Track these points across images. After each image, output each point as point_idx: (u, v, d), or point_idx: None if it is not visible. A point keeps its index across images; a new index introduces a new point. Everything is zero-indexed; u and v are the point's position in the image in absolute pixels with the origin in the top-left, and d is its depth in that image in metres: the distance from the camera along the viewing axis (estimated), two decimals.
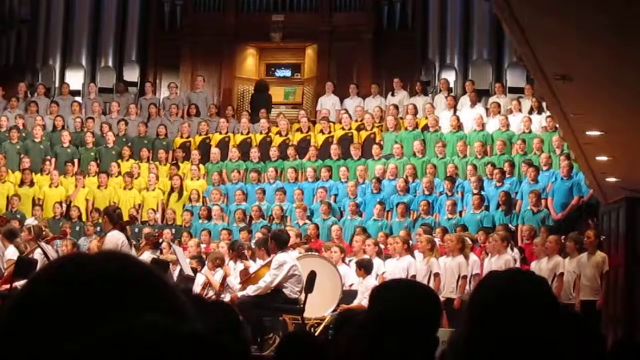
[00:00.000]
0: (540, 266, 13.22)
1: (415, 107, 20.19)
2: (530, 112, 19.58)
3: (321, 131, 20.37)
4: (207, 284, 14.20)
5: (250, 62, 23.66)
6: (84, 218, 18.77)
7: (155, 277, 1.39)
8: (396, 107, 20.44)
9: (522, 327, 2.59)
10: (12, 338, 1.31)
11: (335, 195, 18.49)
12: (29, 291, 1.37)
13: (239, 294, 12.73)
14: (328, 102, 21.53)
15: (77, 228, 18.20)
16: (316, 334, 11.57)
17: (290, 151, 19.71)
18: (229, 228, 17.28)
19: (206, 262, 14.56)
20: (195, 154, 19.97)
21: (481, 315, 2.66)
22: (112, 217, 12.10)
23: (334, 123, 20.70)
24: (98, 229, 16.96)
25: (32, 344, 1.29)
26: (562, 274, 13.12)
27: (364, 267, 13.46)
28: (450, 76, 21.67)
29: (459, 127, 19.52)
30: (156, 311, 1.34)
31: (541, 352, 2.58)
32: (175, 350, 1.27)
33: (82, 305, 1.32)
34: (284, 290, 12.23)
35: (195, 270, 14.39)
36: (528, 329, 2.59)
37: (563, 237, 14.06)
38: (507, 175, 17.60)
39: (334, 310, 12.64)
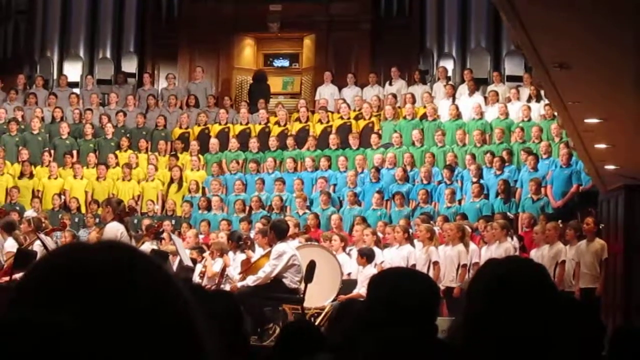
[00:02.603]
0: (543, 253, 13.23)
1: (413, 96, 20.17)
2: (529, 100, 19.59)
3: (319, 121, 20.38)
4: (204, 274, 14.21)
5: (248, 53, 23.65)
6: (82, 210, 18.77)
7: (156, 267, 1.39)
8: (394, 96, 20.42)
9: (521, 314, 2.60)
10: (10, 330, 1.31)
11: (334, 185, 18.49)
12: (29, 279, 1.37)
13: (239, 284, 12.74)
14: (326, 92, 21.53)
15: (76, 220, 18.20)
16: (316, 323, 11.58)
17: (290, 141, 19.72)
18: (228, 218, 17.29)
19: (209, 251, 14.58)
20: (194, 145, 19.97)
21: (480, 302, 2.67)
22: (115, 209, 12.09)
23: (332, 113, 20.70)
24: (97, 220, 16.97)
25: (31, 336, 1.29)
26: (563, 261, 13.13)
27: (366, 256, 13.48)
28: (448, 65, 21.67)
29: (457, 115, 19.51)
30: (156, 301, 1.34)
31: (541, 339, 2.59)
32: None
33: (82, 297, 1.32)
34: (284, 280, 12.24)
35: (194, 261, 14.39)
36: (527, 316, 2.60)
37: (561, 222, 14.07)
38: (506, 164, 17.62)
39: (334, 300, 12.66)
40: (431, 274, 12.98)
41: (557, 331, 2.65)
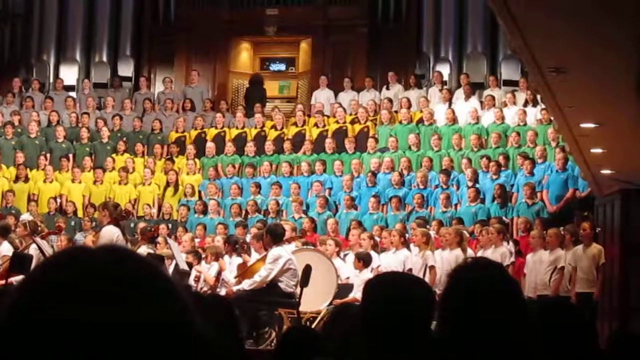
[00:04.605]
0: (542, 258, 13.22)
1: (409, 100, 20.19)
2: (525, 104, 19.60)
3: (315, 125, 20.37)
4: (199, 278, 14.24)
5: (244, 56, 23.66)
6: (79, 214, 18.76)
7: (154, 271, 1.39)
8: (390, 100, 20.44)
9: (492, 316, 2.64)
10: (11, 333, 1.31)
11: (330, 189, 18.50)
12: (28, 286, 1.37)
13: (235, 288, 12.74)
14: (322, 96, 21.53)
15: (72, 223, 18.20)
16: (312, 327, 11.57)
17: (286, 145, 19.71)
18: (224, 222, 17.28)
19: (204, 255, 14.60)
20: (190, 149, 19.96)
21: (452, 311, 2.71)
22: (112, 213, 12.08)
23: (328, 117, 20.70)
24: (94, 224, 16.96)
25: (31, 340, 1.30)
26: (562, 267, 13.11)
27: (364, 260, 13.47)
28: (444, 69, 21.68)
29: (454, 120, 19.53)
30: (156, 305, 1.34)
31: (510, 339, 2.62)
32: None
33: (82, 301, 1.32)
34: (280, 284, 12.24)
35: (190, 265, 14.40)
36: (497, 317, 2.64)
37: (562, 229, 14.08)
38: (502, 168, 17.63)
39: (330, 304, 12.65)
40: (427, 278, 12.97)
41: (528, 328, 2.69)
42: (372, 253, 14.12)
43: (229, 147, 19.97)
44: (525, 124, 18.88)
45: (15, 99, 21.88)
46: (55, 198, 18.91)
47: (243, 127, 20.72)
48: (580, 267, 13.01)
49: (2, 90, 22.26)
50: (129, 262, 1.38)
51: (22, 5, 23.91)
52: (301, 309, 12.33)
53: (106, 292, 1.33)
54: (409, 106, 20.06)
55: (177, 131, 20.85)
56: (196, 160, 19.85)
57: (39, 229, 15.06)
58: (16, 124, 20.68)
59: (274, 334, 12.02)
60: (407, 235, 14.85)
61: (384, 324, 3.05)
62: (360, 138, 19.61)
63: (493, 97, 19.90)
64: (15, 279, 11.93)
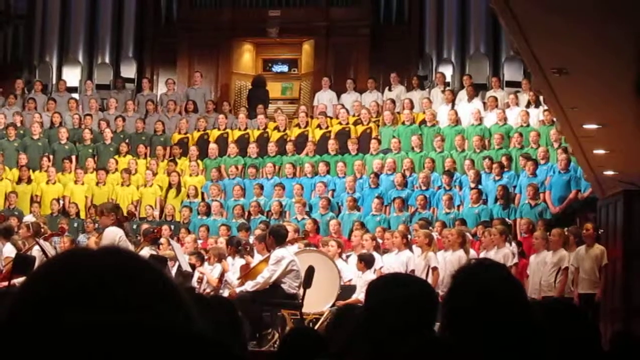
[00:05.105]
0: (546, 259, 13.20)
1: (411, 101, 20.19)
2: (528, 105, 19.60)
3: (318, 126, 20.38)
4: (202, 279, 14.25)
5: (247, 58, 23.66)
6: (82, 215, 18.77)
7: (156, 273, 1.39)
8: (393, 101, 20.44)
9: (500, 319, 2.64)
10: (11, 335, 1.31)
11: (333, 190, 18.50)
12: (29, 288, 1.37)
13: (237, 289, 12.74)
14: (325, 97, 21.54)
15: (75, 225, 18.20)
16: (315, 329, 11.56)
17: (289, 146, 19.72)
18: (227, 224, 17.28)
19: (207, 256, 14.60)
20: (193, 150, 19.97)
21: (456, 313, 2.71)
22: (116, 213, 12.06)
23: (331, 118, 20.70)
24: (97, 225, 16.95)
25: (32, 341, 1.29)
26: (566, 268, 13.10)
27: (366, 261, 13.46)
28: (447, 70, 21.67)
29: (456, 121, 19.52)
30: (159, 307, 1.34)
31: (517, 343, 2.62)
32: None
33: (82, 302, 1.32)
34: (283, 285, 12.23)
35: (193, 267, 14.40)
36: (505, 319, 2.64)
37: (566, 230, 14.07)
38: (505, 169, 17.63)
39: (332, 305, 12.65)
40: (430, 279, 12.96)
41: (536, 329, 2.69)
42: (375, 254, 14.11)
43: (232, 148, 19.97)
44: (527, 125, 18.88)
45: (18, 101, 21.89)
46: (57, 199, 18.91)
47: (246, 129, 20.73)
48: (582, 267, 13.00)
49: (4, 91, 22.26)
50: (131, 263, 1.38)
51: (24, 7, 23.92)
52: (304, 310, 12.33)
53: (107, 293, 1.32)
54: (412, 107, 20.05)
55: (179, 132, 20.86)
56: (199, 161, 19.86)
57: (42, 230, 15.06)
58: (19, 125, 20.70)
59: (276, 335, 12.02)
60: (409, 236, 14.83)
61: (387, 325, 3.05)
62: (363, 139, 19.61)
63: (495, 98, 19.89)
64: (18, 280, 11.93)
